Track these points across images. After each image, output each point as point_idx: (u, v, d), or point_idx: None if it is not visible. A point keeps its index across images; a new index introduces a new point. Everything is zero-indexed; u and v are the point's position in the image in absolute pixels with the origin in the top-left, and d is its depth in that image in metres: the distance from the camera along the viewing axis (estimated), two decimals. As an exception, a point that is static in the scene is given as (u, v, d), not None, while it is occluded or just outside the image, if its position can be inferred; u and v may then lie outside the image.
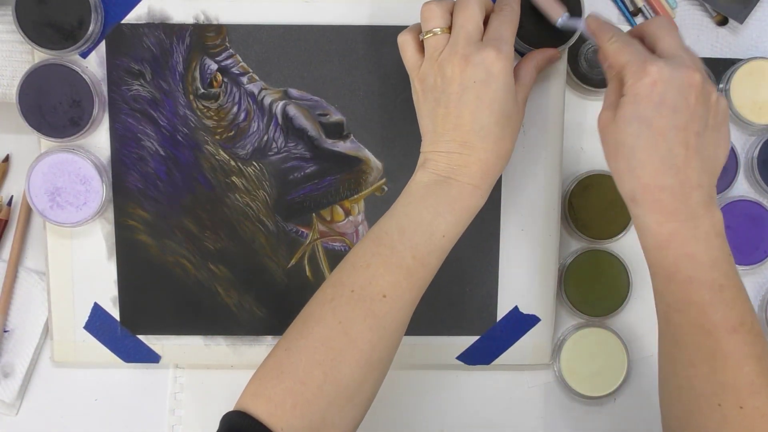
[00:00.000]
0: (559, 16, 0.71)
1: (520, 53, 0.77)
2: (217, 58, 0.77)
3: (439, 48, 0.66)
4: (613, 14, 0.83)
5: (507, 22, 0.68)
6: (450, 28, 0.67)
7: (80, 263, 0.79)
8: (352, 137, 0.78)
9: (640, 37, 0.65)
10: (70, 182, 0.77)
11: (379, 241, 0.66)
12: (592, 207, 0.82)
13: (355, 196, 0.79)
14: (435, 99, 0.66)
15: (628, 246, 0.84)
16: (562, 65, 0.78)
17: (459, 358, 0.81)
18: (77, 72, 0.75)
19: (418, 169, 0.68)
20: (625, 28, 0.81)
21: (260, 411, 0.64)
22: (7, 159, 0.83)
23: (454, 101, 0.65)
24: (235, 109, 0.78)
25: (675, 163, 0.60)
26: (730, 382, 0.60)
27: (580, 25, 0.69)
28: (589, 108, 0.84)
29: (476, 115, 0.65)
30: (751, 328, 0.61)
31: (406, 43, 0.69)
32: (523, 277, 0.80)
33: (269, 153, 0.78)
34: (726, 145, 0.63)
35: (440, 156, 0.66)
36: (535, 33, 0.75)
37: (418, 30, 0.68)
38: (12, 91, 0.77)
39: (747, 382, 0.60)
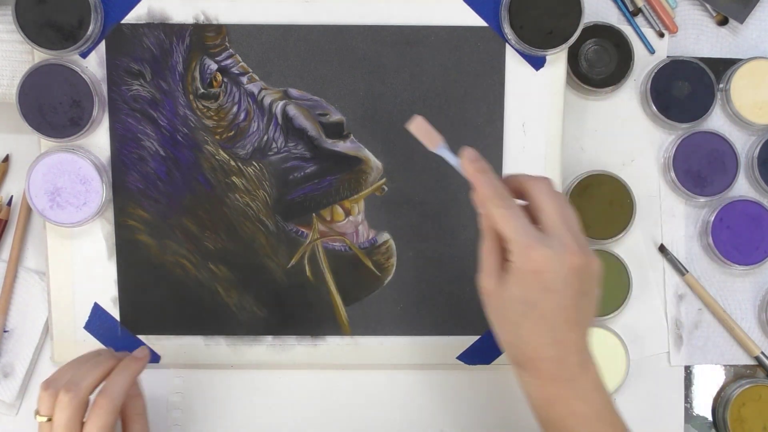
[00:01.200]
0: (437, 147, 0.68)
1: (519, 52, 0.77)
2: (216, 58, 0.77)
3: None
4: (613, 14, 0.83)
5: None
6: None
7: (80, 263, 0.79)
8: (352, 137, 0.78)
9: (520, 191, 0.65)
10: (70, 182, 0.77)
11: None
12: (592, 207, 0.82)
13: (355, 196, 0.79)
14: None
15: (628, 246, 0.84)
16: (562, 65, 0.78)
17: (459, 358, 0.81)
18: (77, 72, 0.75)
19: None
20: (626, 28, 0.82)
21: None
22: (7, 159, 0.83)
23: None
24: (235, 109, 0.78)
25: (556, 338, 0.62)
26: None
27: (454, 162, 0.67)
28: (589, 108, 0.84)
29: None
30: None
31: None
32: (523, 277, 0.80)
33: (269, 153, 0.78)
34: (596, 303, 0.65)
35: None
36: (535, 33, 0.76)
37: None
38: (12, 91, 0.77)
39: None
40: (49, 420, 0.69)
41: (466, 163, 0.65)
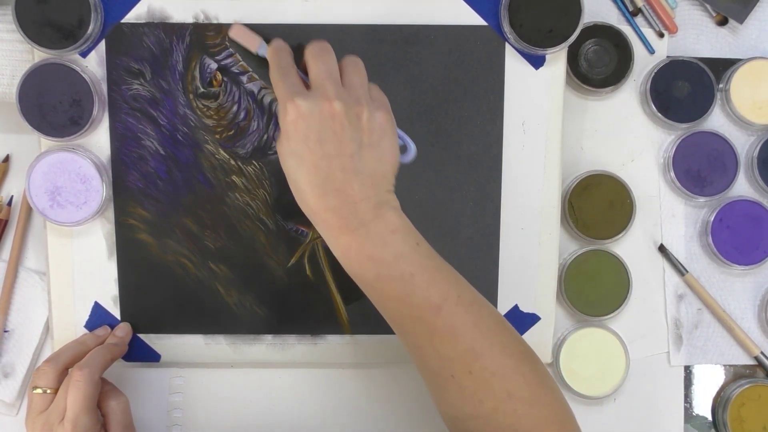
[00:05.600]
0: (258, 47, 0.74)
1: (519, 51, 0.77)
2: (216, 57, 0.77)
3: None
4: (612, 14, 0.83)
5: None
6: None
7: (80, 262, 0.79)
8: (352, 136, 0.78)
9: (303, 65, 0.69)
10: (70, 181, 0.77)
11: None
12: (592, 207, 0.82)
13: (355, 196, 0.79)
14: None
15: (628, 246, 0.84)
16: (562, 64, 0.78)
17: (459, 357, 0.81)
18: (77, 71, 0.75)
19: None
20: (626, 28, 0.82)
21: None
22: (7, 159, 0.83)
23: None
24: (234, 108, 0.78)
25: (334, 187, 0.65)
26: (453, 354, 0.64)
27: (262, 52, 0.73)
28: (589, 108, 0.84)
29: None
30: (458, 301, 0.65)
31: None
32: (523, 276, 0.80)
33: (269, 152, 0.78)
34: (391, 154, 0.67)
35: None
36: (535, 32, 0.76)
37: None
38: (12, 91, 0.77)
39: (467, 349, 0.64)
40: (46, 392, 0.72)
41: (269, 49, 0.71)
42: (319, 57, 0.67)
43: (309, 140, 0.64)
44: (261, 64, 0.77)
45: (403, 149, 0.72)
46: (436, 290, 0.65)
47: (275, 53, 0.70)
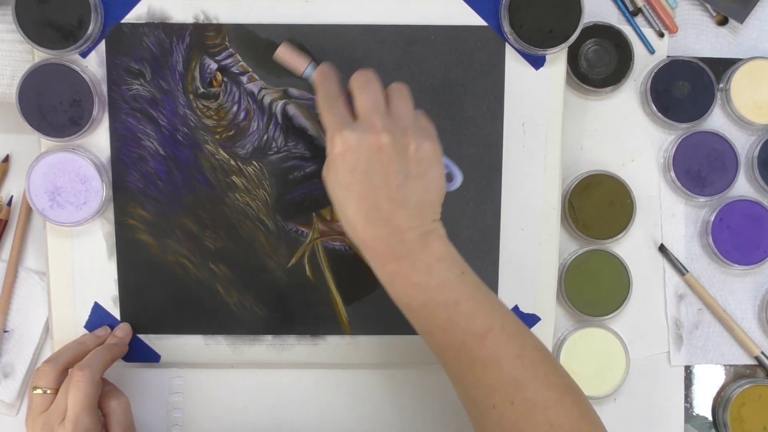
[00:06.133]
0: (304, 68, 0.74)
1: (519, 51, 0.77)
2: (216, 58, 0.77)
3: None
4: (613, 14, 0.83)
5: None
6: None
7: (80, 263, 0.79)
8: (352, 137, 0.78)
9: (350, 93, 0.69)
10: (70, 182, 0.77)
11: None
12: (592, 207, 0.82)
13: (355, 196, 0.79)
14: None
15: (628, 246, 0.84)
16: (562, 64, 0.78)
17: (459, 357, 0.81)
18: (77, 71, 0.75)
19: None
20: (626, 28, 0.82)
21: None
22: (7, 159, 0.83)
23: None
24: (234, 108, 0.78)
25: (381, 217, 0.65)
26: (495, 384, 0.64)
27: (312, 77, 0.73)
28: (589, 108, 0.84)
29: None
30: (502, 330, 0.65)
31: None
32: (523, 277, 0.80)
33: (269, 152, 0.78)
34: (437, 184, 0.67)
35: None
36: (535, 32, 0.76)
37: None
38: (12, 91, 0.77)
39: (510, 380, 0.64)
40: (46, 393, 0.72)
41: (316, 74, 0.71)
42: (365, 88, 0.67)
43: (356, 172, 0.64)
44: (262, 64, 0.77)
45: (449, 177, 0.72)
46: (480, 319, 0.65)
47: (323, 79, 0.70)
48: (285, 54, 0.74)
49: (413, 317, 0.67)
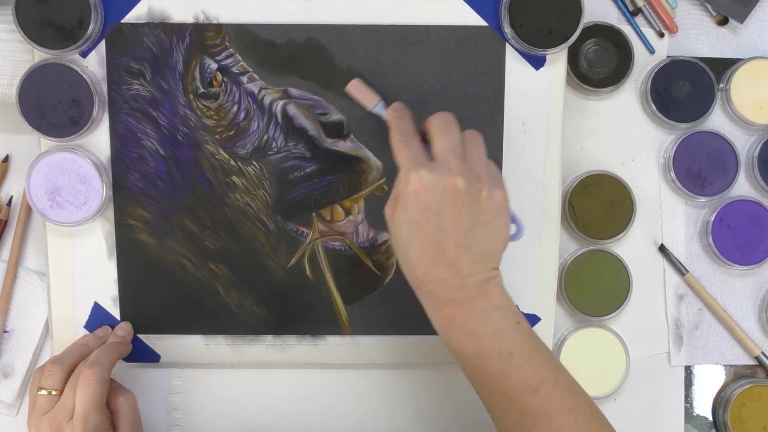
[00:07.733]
0: (374, 105, 0.74)
1: (519, 52, 0.77)
2: (216, 58, 0.77)
3: None
4: (613, 14, 0.83)
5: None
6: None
7: (80, 263, 0.79)
8: (352, 136, 0.78)
9: (424, 133, 0.69)
10: (70, 182, 0.77)
11: None
12: (592, 207, 0.82)
13: (355, 196, 0.79)
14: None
15: (628, 246, 0.84)
16: (562, 64, 0.78)
17: (459, 357, 0.81)
18: (77, 71, 0.75)
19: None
20: (626, 28, 0.82)
21: None
22: (7, 159, 0.83)
23: None
24: (235, 108, 0.78)
25: (445, 260, 0.64)
26: None
27: (386, 118, 0.72)
28: (589, 108, 0.84)
29: None
30: (554, 384, 0.65)
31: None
32: (523, 277, 0.80)
33: (269, 152, 0.78)
34: (503, 233, 0.67)
35: None
36: (535, 32, 0.76)
37: None
38: (12, 91, 0.77)
39: None
40: (51, 394, 0.72)
41: (390, 111, 0.71)
42: (445, 130, 0.67)
43: (428, 212, 0.64)
44: (262, 64, 0.77)
45: (512, 228, 0.71)
46: (533, 371, 0.65)
47: (398, 117, 0.70)
48: (356, 89, 0.74)
49: (465, 364, 0.67)
